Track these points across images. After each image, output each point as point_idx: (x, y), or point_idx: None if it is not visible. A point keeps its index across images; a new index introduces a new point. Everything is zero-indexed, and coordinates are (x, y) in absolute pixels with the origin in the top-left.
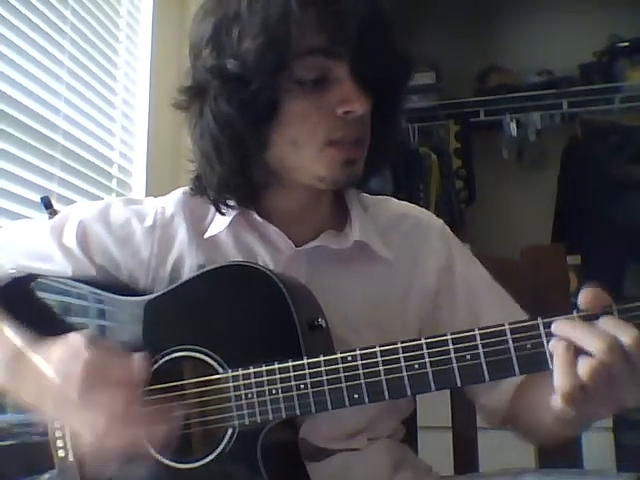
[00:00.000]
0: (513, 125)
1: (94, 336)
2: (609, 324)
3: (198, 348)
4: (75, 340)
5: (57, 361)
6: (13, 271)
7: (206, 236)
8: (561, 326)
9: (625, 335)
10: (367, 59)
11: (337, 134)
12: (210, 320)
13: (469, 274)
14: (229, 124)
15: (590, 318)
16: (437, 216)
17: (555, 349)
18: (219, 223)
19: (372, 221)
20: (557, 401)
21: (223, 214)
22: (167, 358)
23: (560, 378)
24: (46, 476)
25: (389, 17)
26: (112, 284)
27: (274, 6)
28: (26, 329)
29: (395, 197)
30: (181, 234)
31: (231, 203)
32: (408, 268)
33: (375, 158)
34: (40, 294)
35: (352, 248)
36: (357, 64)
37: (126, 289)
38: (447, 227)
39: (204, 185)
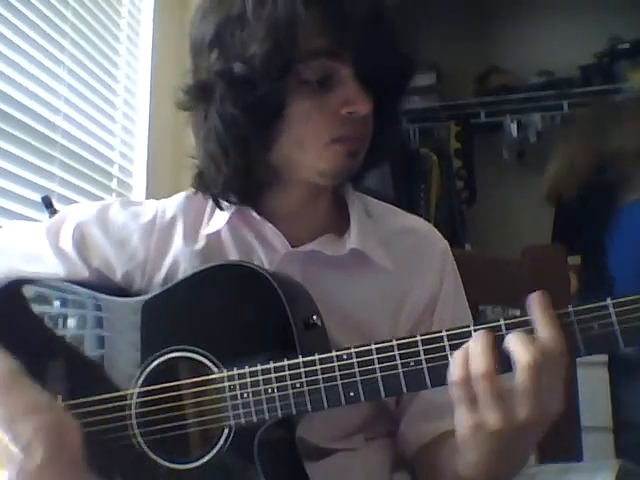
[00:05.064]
0: (514, 126)
1: None
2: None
3: (193, 348)
4: None
5: None
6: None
7: (206, 233)
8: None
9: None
10: (370, 61)
11: (340, 132)
12: (205, 320)
13: (447, 307)
14: (235, 125)
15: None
16: (437, 217)
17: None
18: (218, 220)
19: (375, 229)
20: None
21: (222, 209)
22: (162, 359)
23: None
24: None
25: (393, 18)
26: (105, 286)
27: (280, 10)
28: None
29: (395, 197)
30: (178, 239)
31: (233, 199)
32: (406, 281)
33: (374, 155)
34: (33, 297)
35: (348, 255)
36: (360, 66)
37: (120, 291)
38: (450, 250)
39: (207, 183)
